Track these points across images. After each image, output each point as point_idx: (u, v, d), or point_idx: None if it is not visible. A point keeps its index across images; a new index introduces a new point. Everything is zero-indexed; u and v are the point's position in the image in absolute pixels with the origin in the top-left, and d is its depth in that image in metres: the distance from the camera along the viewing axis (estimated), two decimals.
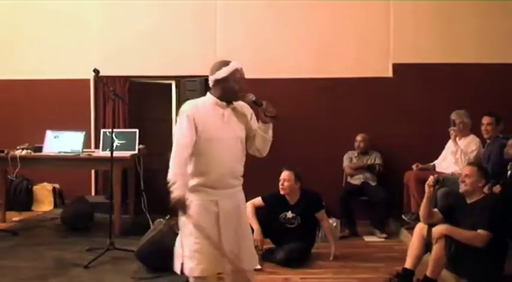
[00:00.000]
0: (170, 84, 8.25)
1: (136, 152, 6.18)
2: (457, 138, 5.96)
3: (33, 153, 6.14)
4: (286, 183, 5.33)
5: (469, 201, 4.32)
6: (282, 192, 5.36)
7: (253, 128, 3.31)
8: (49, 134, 6.30)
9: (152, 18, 7.30)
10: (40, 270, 4.69)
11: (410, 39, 7.07)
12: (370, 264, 5.17)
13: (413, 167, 6.26)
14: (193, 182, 3.18)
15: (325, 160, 6.82)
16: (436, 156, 6.34)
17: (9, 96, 7.39)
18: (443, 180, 4.41)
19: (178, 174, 3.09)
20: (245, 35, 7.14)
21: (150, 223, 5.48)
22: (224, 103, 3.25)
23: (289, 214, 5.35)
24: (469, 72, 6.89)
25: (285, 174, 5.38)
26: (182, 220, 3.18)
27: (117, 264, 4.86)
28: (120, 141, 6.11)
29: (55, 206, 7.29)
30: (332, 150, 6.85)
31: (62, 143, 6.21)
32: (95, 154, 6.21)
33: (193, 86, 6.77)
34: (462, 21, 7.00)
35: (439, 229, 4.12)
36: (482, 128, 5.73)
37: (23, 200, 7.24)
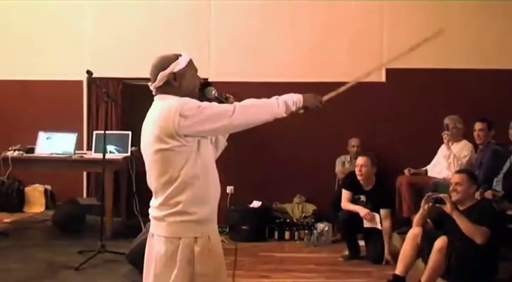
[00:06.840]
0: None
1: (128, 154, 6.17)
2: (450, 143, 5.99)
3: (25, 154, 6.11)
4: (363, 169, 5.44)
5: (461, 208, 4.29)
6: (359, 177, 5.48)
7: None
8: (41, 135, 6.27)
9: (146, 19, 7.27)
10: (31, 272, 4.67)
11: (403, 44, 6.96)
12: (362, 268, 5.18)
13: (405, 171, 6.28)
14: (192, 215, 2.40)
15: (318, 164, 6.82)
16: (428, 161, 6.36)
17: (2, 97, 7.34)
18: (441, 200, 4.36)
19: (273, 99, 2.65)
20: (238, 38, 7.13)
21: (142, 226, 5.47)
22: None
23: (363, 198, 5.49)
24: (462, 78, 6.91)
25: (361, 160, 5.47)
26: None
27: (108, 267, 4.85)
28: (112, 145, 6.10)
29: (47, 207, 7.24)
30: (324, 154, 6.85)
31: (54, 144, 6.18)
32: (87, 156, 6.18)
33: None
34: (455, 27, 7.02)
35: (443, 238, 4.09)
36: (475, 133, 5.76)
37: (15, 201, 7.19)
